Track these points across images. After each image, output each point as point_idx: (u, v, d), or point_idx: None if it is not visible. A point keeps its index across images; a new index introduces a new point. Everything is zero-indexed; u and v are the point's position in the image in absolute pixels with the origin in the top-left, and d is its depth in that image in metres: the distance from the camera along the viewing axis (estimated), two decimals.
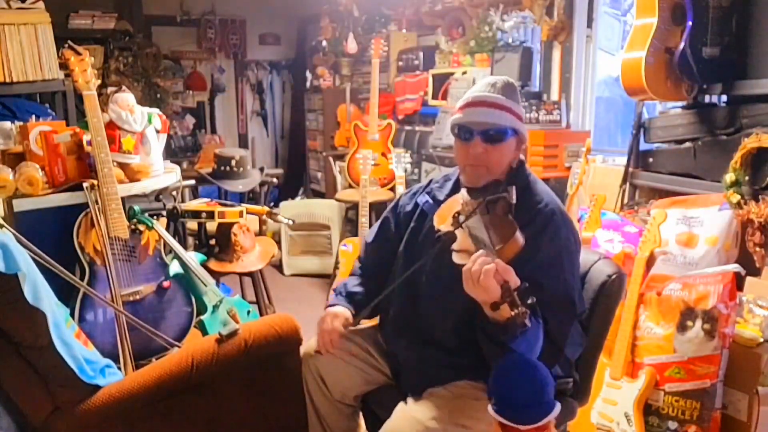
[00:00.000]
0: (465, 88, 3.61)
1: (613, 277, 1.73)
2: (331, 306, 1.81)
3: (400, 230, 1.84)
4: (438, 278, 1.66)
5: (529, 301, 1.30)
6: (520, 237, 1.40)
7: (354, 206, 4.02)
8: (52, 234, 2.34)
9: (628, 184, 3.00)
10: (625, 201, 3.00)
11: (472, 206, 1.50)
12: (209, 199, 3.15)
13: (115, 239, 2.38)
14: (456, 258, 1.45)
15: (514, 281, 1.32)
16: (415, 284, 1.70)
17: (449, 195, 1.73)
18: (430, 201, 1.77)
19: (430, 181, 1.89)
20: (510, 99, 1.63)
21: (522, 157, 1.71)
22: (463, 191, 1.64)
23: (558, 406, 1.40)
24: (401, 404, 1.62)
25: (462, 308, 1.54)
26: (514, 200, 1.48)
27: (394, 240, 1.84)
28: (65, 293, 2.15)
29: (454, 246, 1.48)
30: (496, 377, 1.43)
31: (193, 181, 3.82)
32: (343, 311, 1.77)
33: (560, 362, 1.63)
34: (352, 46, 5.32)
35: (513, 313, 1.28)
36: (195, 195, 4.27)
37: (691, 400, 2.11)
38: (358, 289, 1.85)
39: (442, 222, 1.59)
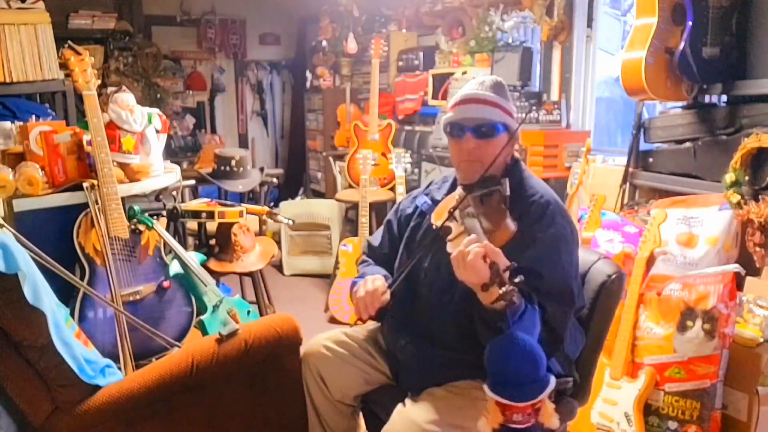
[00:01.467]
0: None
1: (613, 277, 1.73)
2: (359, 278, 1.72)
3: (401, 232, 1.84)
4: (437, 275, 1.66)
5: (517, 280, 1.31)
6: (511, 223, 1.42)
7: (354, 206, 4.02)
8: (52, 234, 2.33)
9: (628, 184, 3.00)
10: (625, 201, 3.00)
11: (467, 199, 1.52)
12: (209, 199, 3.14)
13: (115, 239, 2.38)
14: (449, 247, 1.46)
15: (503, 262, 1.33)
16: (415, 282, 1.71)
17: (447, 194, 1.75)
18: (429, 201, 1.78)
19: (430, 183, 1.90)
20: (500, 96, 1.65)
21: (516, 154, 1.72)
22: (459, 188, 1.66)
23: (553, 381, 1.39)
24: (399, 406, 1.62)
25: (461, 304, 1.55)
26: (507, 192, 1.51)
27: (397, 242, 1.85)
28: (65, 293, 2.15)
29: (448, 237, 1.49)
30: (491, 355, 1.42)
31: (193, 181, 3.82)
32: (380, 276, 1.69)
33: (559, 352, 1.63)
34: (352, 46, 5.31)
35: (501, 292, 1.29)
36: (195, 195, 4.27)
37: (691, 400, 2.11)
38: (382, 270, 1.80)
39: (438, 218, 1.61)
